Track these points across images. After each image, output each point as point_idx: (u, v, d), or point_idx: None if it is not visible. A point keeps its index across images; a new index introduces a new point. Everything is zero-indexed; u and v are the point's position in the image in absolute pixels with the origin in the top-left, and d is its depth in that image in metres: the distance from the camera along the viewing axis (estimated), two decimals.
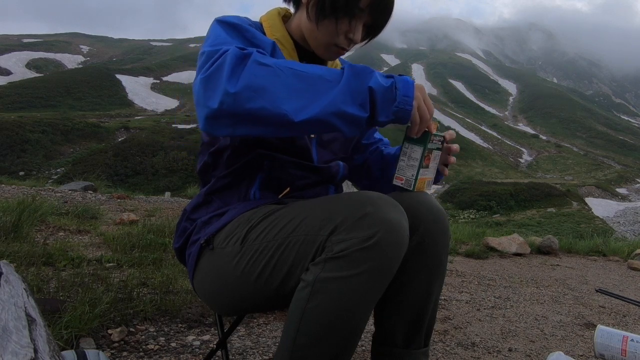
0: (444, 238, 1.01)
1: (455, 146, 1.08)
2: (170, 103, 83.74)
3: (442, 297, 2.68)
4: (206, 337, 1.67)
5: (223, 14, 1.02)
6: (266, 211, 0.96)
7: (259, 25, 1.08)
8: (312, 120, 0.80)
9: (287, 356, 0.83)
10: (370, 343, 1.07)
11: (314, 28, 1.03)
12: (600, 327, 1.38)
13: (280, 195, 1.06)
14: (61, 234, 3.24)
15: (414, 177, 0.97)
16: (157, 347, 1.55)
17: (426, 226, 0.98)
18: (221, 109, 0.79)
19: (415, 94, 0.87)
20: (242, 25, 0.97)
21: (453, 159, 1.09)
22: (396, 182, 1.00)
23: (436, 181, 1.07)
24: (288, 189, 1.06)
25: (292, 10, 1.12)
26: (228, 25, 0.96)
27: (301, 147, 1.07)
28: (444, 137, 1.01)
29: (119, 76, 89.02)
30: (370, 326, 1.00)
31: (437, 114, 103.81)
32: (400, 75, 0.89)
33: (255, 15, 1.17)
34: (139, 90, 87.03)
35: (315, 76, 0.82)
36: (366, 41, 1.08)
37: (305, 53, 1.09)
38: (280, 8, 1.13)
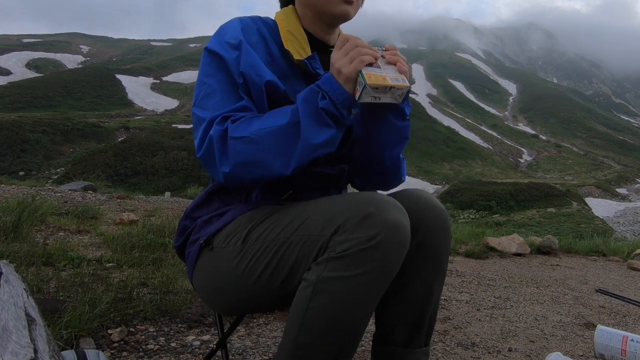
0: (445, 237, 1.01)
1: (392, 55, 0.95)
2: (170, 103, 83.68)
3: (442, 297, 2.68)
4: (206, 337, 1.67)
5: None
6: (268, 211, 0.96)
7: (270, 23, 1.08)
8: (301, 165, 0.91)
9: (289, 356, 0.83)
10: (370, 343, 1.07)
11: None
12: (600, 327, 1.38)
13: (282, 198, 1.06)
14: (61, 234, 3.24)
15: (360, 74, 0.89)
16: (157, 347, 1.55)
17: (427, 226, 0.99)
18: (227, 181, 0.93)
19: (334, 63, 0.90)
20: (225, 55, 0.97)
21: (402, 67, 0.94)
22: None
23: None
24: (290, 191, 1.06)
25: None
26: (213, 56, 0.98)
27: None
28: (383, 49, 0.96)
29: (119, 76, 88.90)
30: (370, 326, 1.01)
31: (437, 114, 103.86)
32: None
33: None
34: (139, 90, 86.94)
35: (282, 127, 0.89)
36: None
37: (317, 43, 1.09)
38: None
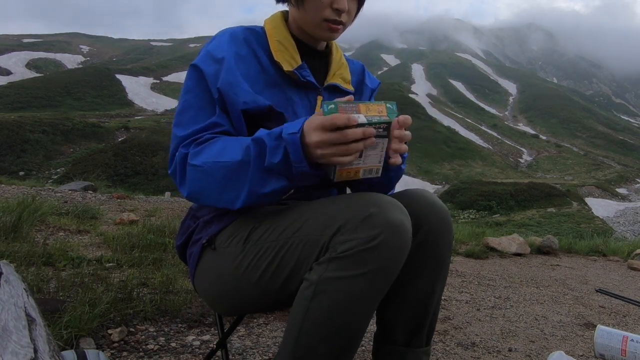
0: (447, 236, 1.01)
1: (401, 133, 0.89)
2: (170, 103, 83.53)
3: (442, 297, 2.68)
4: (206, 337, 1.67)
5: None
6: (269, 212, 0.97)
7: (258, 31, 1.08)
8: (248, 205, 0.91)
9: (290, 356, 0.83)
10: (370, 343, 1.07)
11: (300, 12, 1.04)
12: (600, 327, 1.38)
13: (284, 197, 1.06)
14: (61, 234, 3.24)
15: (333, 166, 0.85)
16: (157, 347, 1.55)
17: (429, 225, 0.99)
18: (190, 200, 0.99)
19: (314, 144, 0.81)
20: (205, 69, 0.99)
21: (403, 147, 0.91)
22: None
23: (385, 169, 0.93)
24: (292, 190, 1.06)
25: (287, 7, 1.13)
26: (194, 71, 1.01)
27: None
28: (388, 123, 0.84)
29: (119, 76, 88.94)
30: (370, 325, 1.01)
31: (437, 114, 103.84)
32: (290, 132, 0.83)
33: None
34: (139, 90, 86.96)
35: (234, 164, 0.89)
36: (356, 11, 1.09)
37: (306, 48, 1.10)
38: (284, 10, 1.14)
